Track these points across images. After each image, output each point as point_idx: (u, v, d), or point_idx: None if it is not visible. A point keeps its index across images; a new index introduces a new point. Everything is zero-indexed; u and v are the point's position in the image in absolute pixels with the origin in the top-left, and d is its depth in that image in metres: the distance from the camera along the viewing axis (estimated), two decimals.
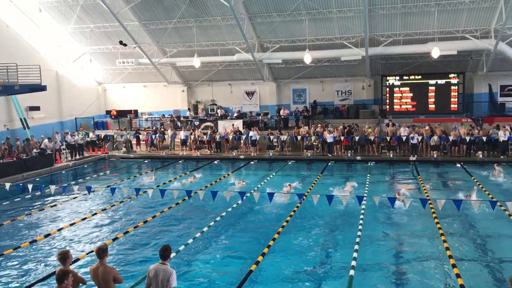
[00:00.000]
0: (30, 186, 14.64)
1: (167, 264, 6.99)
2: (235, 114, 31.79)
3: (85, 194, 17.68)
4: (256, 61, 28.36)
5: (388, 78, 28.70)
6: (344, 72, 31.05)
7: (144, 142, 29.39)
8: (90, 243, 12.34)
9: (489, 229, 12.71)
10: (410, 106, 28.41)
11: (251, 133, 26.95)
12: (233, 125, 28.93)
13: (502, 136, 23.57)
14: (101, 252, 7.14)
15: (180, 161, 26.46)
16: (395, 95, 28.53)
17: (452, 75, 27.72)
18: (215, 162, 25.82)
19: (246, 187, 18.49)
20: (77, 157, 27.11)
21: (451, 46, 25.34)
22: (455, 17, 24.85)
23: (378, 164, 23.83)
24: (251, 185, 19.07)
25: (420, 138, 24.67)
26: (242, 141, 27.80)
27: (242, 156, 26.39)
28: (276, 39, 28.01)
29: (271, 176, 21.06)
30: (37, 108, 28.89)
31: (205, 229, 13.13)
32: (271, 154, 26.18)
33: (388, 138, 25.22)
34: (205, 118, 32.00)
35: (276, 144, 27.03)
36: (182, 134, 28.07)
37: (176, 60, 30.49)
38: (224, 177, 21.21)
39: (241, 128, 28.75)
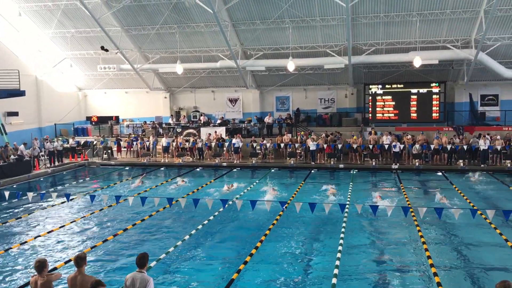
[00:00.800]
0: (7, 193, 14.35)
1: (144, 272, 6.92)
2: (218, 121, 31.73)
3: (63, 202, 17.40)
4: (240, 68, 28.41)
5: (370, 86, 28.98)
6: (327, 80, 31.28)
7: (126, 149, 29.10)
8: (68, 252, 12.13)
9: (470, 237, 12.88)
10: (392, 115, 28.71)
11: (234, 141, 26.93)
12: (216, 132, 28.87)
13: (483, 145, 23.98)
14: (79, 260, 7.02)
15: (162, 168, 26.27)
16: (377, 103, 28.80)
17: (433, 84, 28.14)
18: (197, 169, 25.69)
19: (231, 192, 18.43)
20: (56, 163, 26.71)
21: (432, 56, 25.75)
22: (436, 27, 25.29)
23: (361, 172, 24.00)
24: (233, 192, 19.02)
25: (402, 146, 24.93)
26: (225, 148, 27.74)
27: (224, 164, 26.32)
28: (260, 46, 28.13)
29: (254, 183, 21.04)
30: (15, 114, 28.43)
31: (186, 237, 13.02)
32: (254, 162, 26.17)
33: (370, 146, 25.42)
34: (188, 125, 31.87)
35: (259, 151, 27.03)
36: (164, 141, 27.89)
37: (158, 66, 30.36)
38: (206, 184, 21.11)
39: (224, 135, 28.69)
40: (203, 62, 29.80)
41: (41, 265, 6.89)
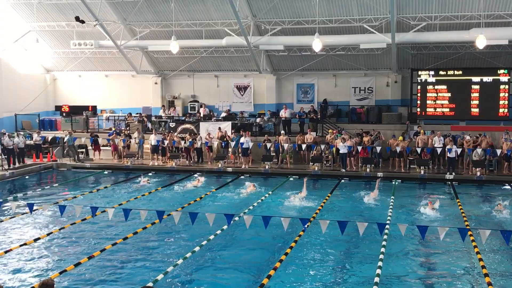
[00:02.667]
0: None
1: None
2: (223, 115, 31.80)
3: (25, 213, 17.52)
4: (251, 47, 28.44)
5: (420, 73, 28.84)
6: (364, 64, 31.18)
7: (110, 149, 29.14)
8: (31, 277, 12.22)
9: None
10: (447, 110, 28.54)
11: (242, 140, 26.97)
12: (219, 128, 28.95)
13: None
14: None
15: (150, 174, 26.40)
16: (428, 94, 28.65)
17: (501, 71, 27.92)
18: (195, 175, 25.77)
19: (245, 201, 18.52)
20: (17, 165, 26.96)
21: (501, 34, 25.54)
22: None
23: (406, 183, 23.89)
24: (241, 206, 19.08)
25: (459, 150, 24.79)
26: (230, 150, 27.79)
27: (229, 169, 26.36)
28: (277, 19, 28.13)
29: (267, 195, 21.03)
30: None
31: (179, 261, 13.08)
32: (267, 167, 26.18)
33: (418, 150, 25.30)
34: (184, 118, 31.98)
35: (274, 154, 27.03)
36: (153, 139, 28.01)
37: (148, 43, 30.47)
38: (206, 194, 21.19)
39: (229, 133, 28.76)
40: (204, 38, 29.87)
41: None
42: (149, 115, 32.91)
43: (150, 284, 7.01)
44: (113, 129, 31.20)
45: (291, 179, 24.77)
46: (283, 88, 33.23)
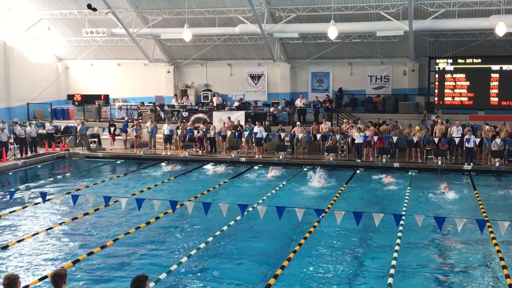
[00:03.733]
0: None
1: None
2: (236, 104, 31.82)
3: (38, 203, 17.72)
4: (265, 34, 28.38)
5: (438, 61, 28.65)
6: (380, 52, 31.00)
7: (123, 138, 29.29)
8: (44, 267, 12.37)
9: None
10: (466, 99, 28.34)
11: (255, 129, 27.00)
12: (229, 118, 28.96)
13: None
14: (58, 278, 7.12)
15: (163, 163, 26.52)
16: (446, 83, 28.47)
17: None
18: (208, 165, 25.88)
19: (250, 197, 18.58)
20: (29, 154, 27.22)
21: None
22: None
23: (422, 173, 23.83)
24: (255, 196, 19.17)
25: (478, 140, 24.62)
26: (243, 139, 27.83)
27: (243, 159, 26.44)
28: (292, 6, 28.01)
29: (281, 185, 21.09)
30: None
31: (193, 252, 13.16)
32: (281, 157, 26.20)
33: (436, 140, 25.18)
34: (197, 108, 32.02)
35: (288, 144, 27.04)
36: (165, 128, 28.14)
37: (160, 31, 30.50)
38: (219, 185, 21.30)
39: (242, 122, 28.78)
40: (217, 26, 29.84)
41: (11, 282, 7.02)
42: (162, 105, 33.00)
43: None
44: (126, 119, 31.32)
45: (305, 169, 24.77)
46: (297, 76, 33.15)
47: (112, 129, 29.84)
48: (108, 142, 30.04)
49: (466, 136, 24.54)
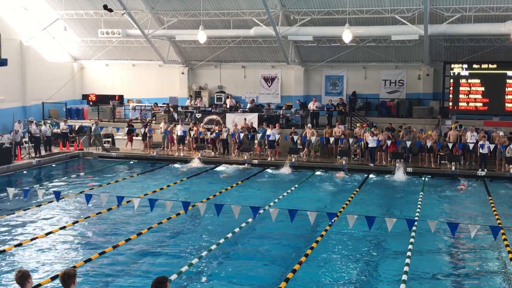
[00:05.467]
0: None
1: None
2: (249, 106, 31.81)
3: (51, 202, 17.83)
4: (280, 37, 28.36)
5: (452, 66, 28.43)
6: (395, 56, 30.85)
7: (141, 139, 29.36)
8: (55, 265, 12.44)
9: None
10: (480, 104, 28.11)
11: (268, 132, 26.97)
12: (245, 119, 28.98)
13: None
14: (67, 278, 7.15)
15: (176, 164, 26.58)
16: (461, 88, 28.24)
17: None
18: (221, 167, 25.92)
19: (259, 201, 18.58)
20: (43, 153, 27.39)
21: None
22: None
23: (435, 179, 23.68)
24: (266, 199, 19.17)
25: (492, 146, 24.43)
26: (256, 142, 27.83)
27: (255, 161, 26.42)
28: (307, 9, 27.97)
29: (293, 188, 21.06)
30: None
31: (204, 253, 13.17)
32: (293, 160, 26.16)
33: (450, 145, 25.02)
34: (210, 109, 32.07)
35: (301, 147, 26.99)
36: (179, 129, 28.21)
37: (175, 32, 30.56)
38: (232, 186, 21.31)
39: (255, 125, 28.77)
40: (232, 28, 29.87)
41: (23, 276, 7.09)
42: (176, 106, 33.08)
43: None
44: (142, 120, 31.47)
45: (318, 173, 24.71)
46: (311, 79, 33.06)
47: (129, 129, 29.68)
48: (123, 142, 30.08)
49: (481, 142, 24.37)
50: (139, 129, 29.67)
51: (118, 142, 30.41)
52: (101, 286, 11.39)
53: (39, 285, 10.96)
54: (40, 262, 12.70)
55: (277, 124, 27.91)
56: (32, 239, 14.21)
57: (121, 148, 29.68)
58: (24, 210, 17.12)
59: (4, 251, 13.28)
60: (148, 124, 29.87)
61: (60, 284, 7.20)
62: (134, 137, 29.77)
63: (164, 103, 33.31)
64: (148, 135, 29.15)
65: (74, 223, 15.88)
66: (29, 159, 25.90)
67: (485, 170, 23.93)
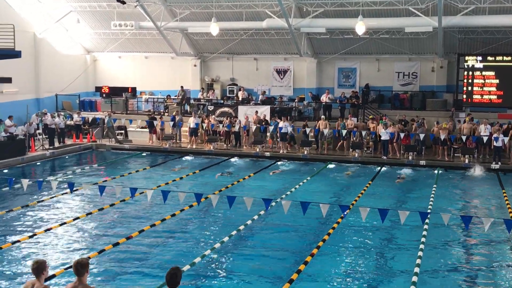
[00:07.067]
0: None
1: None
2: (261, 98, 31.82)
3: (65, 193, 17.98)
4: (292, 29, 28.28)
5: (467, 58, 28.25)
6: (408, 48, 30.68)
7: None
8: (69, 256, 12.56)
9: None
10: (495, 97, 27.92)
11: (280, 124, 26.95)
12: (256, 112, 28.97)
13: None
14: (80, 267, 7.24)
15: (189, 156, 26.65)
16: (475, 81, 28.06)
17: None
18: (232, 159, 25.97)
19: (273, 192, 18.62)
20: (57, 145, 27.58)
21: None
22: None
23: (449, 171, 23.58)
24: (278, 191, 19.21)
25: (506, 139, 24.26)
26: (268, 134, 27.83)
27: (267, 154, 26.43)
28: (320, 1, 27.85)
29: (305, 181, 21.08)
30: (8, 80, 29.33)
31: (217, 245, 13.24)
32: (305, 153, 26.15)
33: (463, 138, 24.88)
34: (222, 102, 32.09)
35: (313, 139, 26.96)
36: (192, 122, 28.27)
37: (188, 25, 30.58)
38: (244, 179, 21.36)
39: (267, 117, 28.77)
40: (244, 20, 29.84)
41: (39, 267, 7.19)
42: (188, 98, 33.15)
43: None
44: (154, 112, 31.54)
45: (331, 166, 24.69)
46: (323, 72, 32.97)
47: (153, 123, 29.57)
48: (136, 134, 30.15)
49: (495, 135, 24.21)
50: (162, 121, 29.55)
51: (132, 134, 30.54)
52: (114, 276, 11.50)
53: (53, 275, 11.07)
54: (54, 252, 12.82)
55: (287, 117, 27.88)
56: (46, 230, 14.34)
57: (143, 141, 29.65)
58: (38, 201, 17.27)
59: (18, 241, 13.43)
60: (161, 116, 29.95)
61: (74, 274, 7.30)
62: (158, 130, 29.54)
63: (176, 95, 33.27)
64: (160, 127, 29.22)
65: (87, 214, 16.01)
66: (43, 151, 26.09)
67: (499, 163, 23.78)
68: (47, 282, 9.63)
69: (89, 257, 11.72)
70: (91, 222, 15.42)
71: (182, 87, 32.89)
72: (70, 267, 11.37)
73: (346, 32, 29.59)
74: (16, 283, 11.01)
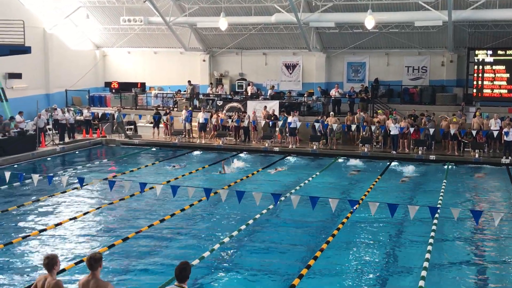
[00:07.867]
0: (7, 175, 15.07)
1: (185, 287, 7.02)
2: (269, 92, 31.77)
3: (75, 188, 18.07)
4: (301, 24, 28.22)
5: (477, 52, 28.10)
6: (418, 42, 30.53)
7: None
8: (80, 250, 12.64)
9: None
10: (505, 91, 27.75)
11: (289, 119, 26.92)
12: (265, 107, 28.94)
13: None
14: (93, 262, 7.29)
15: (199, 152, 26.69)
16: (485, 75, 27.91)
17: None
18: (241, 154, 25.99)
19: (282, 187, 18.63)
20: (67, 140, 27.71)
21: None
22: None
23: (459, 166, 23.47)
24: (288, 186, 19.23)
25: None
26: (277, 129, 27.81)
27: (276, 149, 26.42)
28: None
29: (314, 176, 21.07)
30: (18, 76, 29.58)
31: (226, 239, 13.28)
32: (315, 147, 26.12)
33: (474, 133, 24.76)
34: (231, 97, 32.10)
35: (323, 134, 26.93)
36: (201, 117, 28.30)
37: (196, 20, 30.58)
38: (253, 174, 21.37)
39: (276, 112, 28.74)
40: (253, 15, 29.80)
41: (51, 262, 7.25)
42: (198, 93, 33.19)
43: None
44: (164, 108, 31.59)
45: (340, 160, 24.65)
46: (333, 66, 32.90)
47: (165, 118, 29.64)
48: (146, 129, 30.25)
49: (505, 129, 24.07)
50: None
51: (141, 129, 30.63)
52: (124, 270, 11.56)
53: (64, 270, 11.14)
54: (64, 247, 12.90)
55: (296, 111, 27.81)
56: (56, 225, 14.44)
57: (152, 136, 29.69)
58: (49, 196, 17.38)
59: (29, 236, 13.52)
60: (169, 111, 30.02)
61: (84, 269, 7.35)
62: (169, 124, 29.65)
63: (185, 91, 33.32)
64: (169, 122, 29.31)
65: (97, 208, 16.10)
66: (53, 146, 26.22)
67: (510, 157, 23.65)
68: (58, 277, 9.69)
69: (99, 252, 11.79)
70: (101, 217, 15.52)
71: (189, 81, 32.96)
72: (81, 261, 11.50)
73: (355, 27, 29.51)
74: (28, 277, 11.10)
